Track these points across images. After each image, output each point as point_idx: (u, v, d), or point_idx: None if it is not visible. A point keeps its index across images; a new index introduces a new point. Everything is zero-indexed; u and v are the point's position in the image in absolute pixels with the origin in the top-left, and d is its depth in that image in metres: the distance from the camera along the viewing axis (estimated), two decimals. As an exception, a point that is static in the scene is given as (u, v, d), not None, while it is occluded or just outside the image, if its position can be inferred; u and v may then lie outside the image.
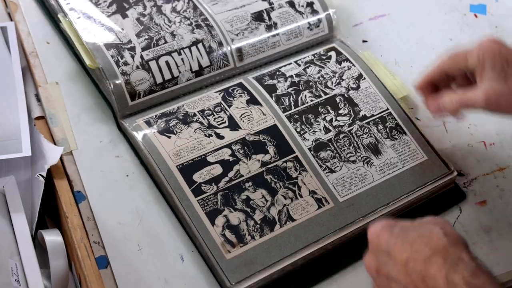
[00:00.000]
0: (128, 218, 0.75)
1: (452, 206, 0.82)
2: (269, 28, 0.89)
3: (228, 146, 0.78)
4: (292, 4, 0.91)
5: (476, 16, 1.02)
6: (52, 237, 0.70)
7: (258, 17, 0.89)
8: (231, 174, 0.76)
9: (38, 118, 0.82)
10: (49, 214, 0.79)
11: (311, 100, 0.84)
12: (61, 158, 0.77)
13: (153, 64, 0.82)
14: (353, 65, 0.89)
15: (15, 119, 0.79)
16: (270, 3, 0.90)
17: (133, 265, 0.72)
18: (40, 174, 0.74)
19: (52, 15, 0.90)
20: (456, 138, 0.89)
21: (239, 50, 0.86)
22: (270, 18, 0.89)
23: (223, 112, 0.81)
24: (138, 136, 0.78)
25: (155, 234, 0.75)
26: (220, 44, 0.86)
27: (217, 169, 0.76)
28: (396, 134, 0.84)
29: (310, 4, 0.92)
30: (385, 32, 0.98)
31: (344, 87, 0.86)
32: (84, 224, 0.73)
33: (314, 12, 0.92)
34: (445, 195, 0.83)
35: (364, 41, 0.96)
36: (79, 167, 0.78)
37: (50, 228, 0.76)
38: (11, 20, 0.91)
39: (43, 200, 0.74)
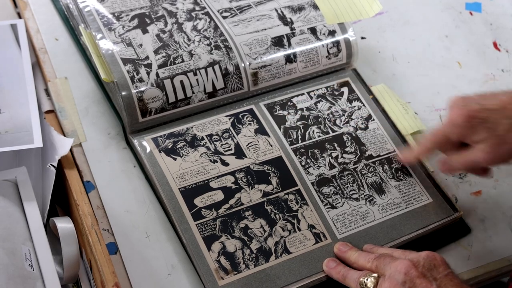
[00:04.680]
0: (136, 207, 0.78)
1: (454, 241, 0.81)
2: (287, 55, 0.87)
3: (232, 173, 0.79)
4: (313, 31, 0.89)
5: (471, 13, 1.04)
6: (63, 224, 0.72)
7: (278, 42, 0.87)
8: (232, 201, 0.77)
9: (48, 112, 0.84)
10: (59, 204, 0.81)
11: (319, 136, 0.84)
12: (70, 150, 0.79)
13: (167, 83, 0.81)
14: (364, 105, 0.88)
15: (26, 112, 0.81)
16: (292, 29, 0.88)
17: (141, 252, 0.74)
18: (51, 164, 0.76)
19: (70, 22, 0.91)
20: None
21: (255, 74, 0.85)
22: (290, 44, 0.87)
23: (230, 139, 0.82)
24: (145, 154, 0.79)
25: (162, 222, 0.77)
26: (237, 67, 0.84)
27: (219, 195, 0.77)
28: (402, 176, 0.83)
29: (332, 33, 0.89)
30: (383, 29, 1.01)
31: (353, 126, 0.86)
32: (94, 213, 0.75)
33: (335, 41, 0.89)
34: (449, 229, 0.81)
35: (362, 38, 0.98)
36: (88, 158, 0.80)
37: (60, 216, 0.78)
38: (21, 18, 0.93)
39: (53, 190, 0.76)
